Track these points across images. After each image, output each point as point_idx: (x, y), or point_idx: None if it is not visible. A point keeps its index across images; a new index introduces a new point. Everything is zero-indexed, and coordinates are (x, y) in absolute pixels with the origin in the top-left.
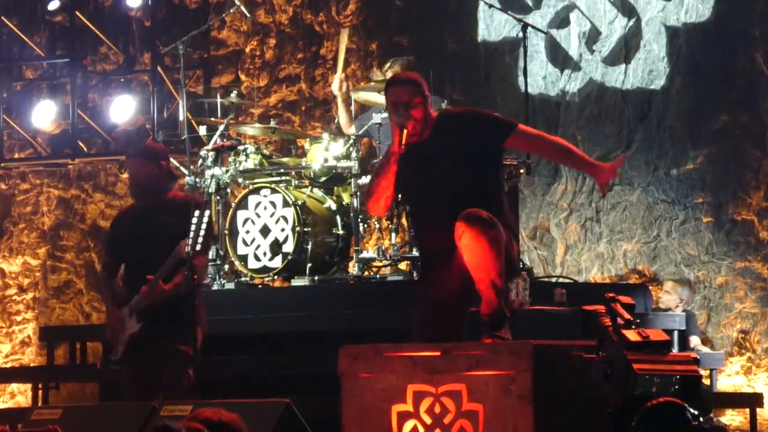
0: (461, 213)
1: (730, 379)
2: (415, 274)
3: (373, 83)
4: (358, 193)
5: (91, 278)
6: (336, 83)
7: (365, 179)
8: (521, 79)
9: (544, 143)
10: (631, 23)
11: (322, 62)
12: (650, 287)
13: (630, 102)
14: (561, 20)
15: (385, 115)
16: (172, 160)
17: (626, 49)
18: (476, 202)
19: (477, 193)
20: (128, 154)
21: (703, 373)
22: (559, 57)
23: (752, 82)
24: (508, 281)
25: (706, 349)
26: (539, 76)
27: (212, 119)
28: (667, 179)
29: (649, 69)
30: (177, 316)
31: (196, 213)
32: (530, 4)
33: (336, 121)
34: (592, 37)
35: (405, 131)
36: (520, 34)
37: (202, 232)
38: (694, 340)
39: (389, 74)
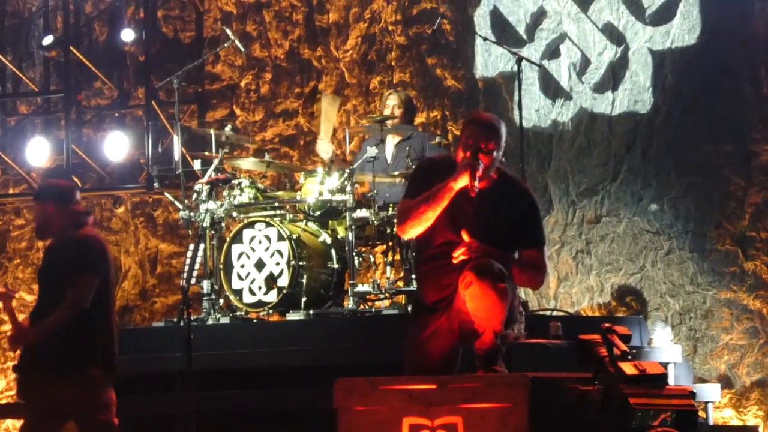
0: (471, 262)
1: (719, 412)
2: (410, 308)
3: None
4: (353, 227)
5: None
6: (323, 146)
7: (360, 213)
8: (516, 112)
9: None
10: (618, 52)
11: (321, 97)
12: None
13: (616, 132)
14: (552, 52)
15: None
16: (166, 194)
17: (614, 79)
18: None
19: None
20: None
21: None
22: (551, 88)
23: (736, 111)
24: (507, 328)
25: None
26: (533, 109)
27: (207, 153)
28: (651, 210)
29: (635, 99)
30: None
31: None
32: (524, 37)
33: (331, 154)
34: (582, 67)
35: (473, 174)
36: (515, 68)
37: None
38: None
39: (388, 103)
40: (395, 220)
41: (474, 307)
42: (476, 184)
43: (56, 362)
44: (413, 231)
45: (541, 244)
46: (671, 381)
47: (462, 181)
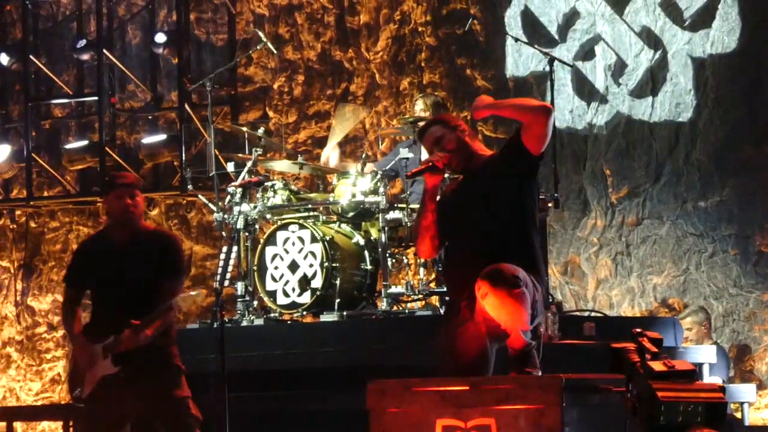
0: (483, 269)
1: (759, 413)
2: (443, 310)
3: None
4: (386, 228)
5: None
6: (333, 158)
7: (393, 214)
8: None
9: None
10: (657, 55)
11: (353, 98)
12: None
13: (658, 135)
14: (586, 53)
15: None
16: (200, 196)
17: (653, 82)
18: (503, 244)
19: (505, 232)
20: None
21: (733, 406)
22: (585, 90)
23: None
24: (535, 321)
25: None
26: (566, 110)
27: (240, 155)
28: (695, 212)
29: (676, 102)
30: (160, 359)
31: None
32: (556, 37)
33: (364, 155)
34: (617, 70)
35: (428, 165)
36: (547, 68)
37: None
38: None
39: (417, 107)
40: None
41: (495, 315)
42: (412, 170)
43: (158, 362)
44: (422, 247)
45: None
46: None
47: (428, 179)
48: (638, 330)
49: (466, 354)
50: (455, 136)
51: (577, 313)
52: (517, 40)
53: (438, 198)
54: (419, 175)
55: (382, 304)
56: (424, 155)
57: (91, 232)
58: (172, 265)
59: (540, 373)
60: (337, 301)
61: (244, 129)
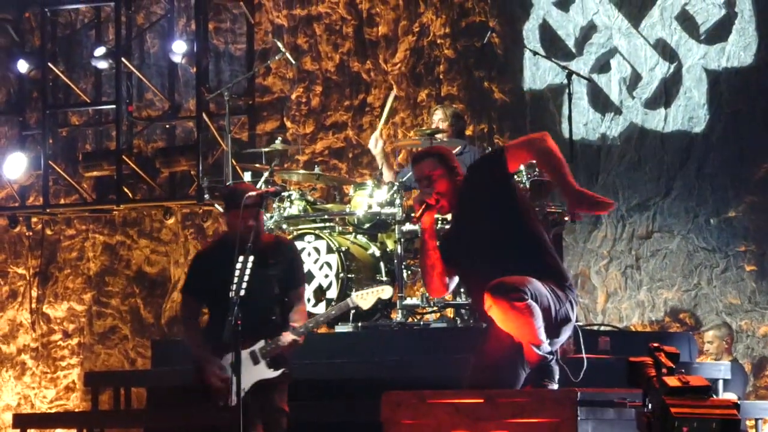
0: (489, 283)
1: None
2: (458, 321)
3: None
4: (402, 240)
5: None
6: (372, 141)
7: (409, 226)
8: (564, 125)
9: (535, 153)
10: (671, 69)
11: (370, 110)
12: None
13: (669, 149)
14: (601, 66)
15: None
16: (216, 206)
17: (666, 95)
18: (511, 252)
19: (510, 240)
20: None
21: (749, 423)
22: (600, 102)
23: None
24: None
25: None
26: (581, 123)
27: (257, 165)
28: (707, 227)
29: (689, 116)
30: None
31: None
32: (573, 50)
33: (381, 167)
34: (632, 83)
35: (423, 206)
36: (564, 81)
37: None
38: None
39: (434, 118)
40: None
41: (504, 328)
42: (417, 214)
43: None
44: (431, 286)
45: (504, 147)
46: (720, 396)
47: (423, 218)
48: (655, 344)
49: (488, 365)
50: (449, 179)
51: (589, 328)
52: (535, 53)
53: (441, 240)
54: (421, 217)
55: (398, 316)
56: None
57: (107, 241)
58: (300, 271)
59: (557, 387)
60: (352, 312)
61: (262, 150)
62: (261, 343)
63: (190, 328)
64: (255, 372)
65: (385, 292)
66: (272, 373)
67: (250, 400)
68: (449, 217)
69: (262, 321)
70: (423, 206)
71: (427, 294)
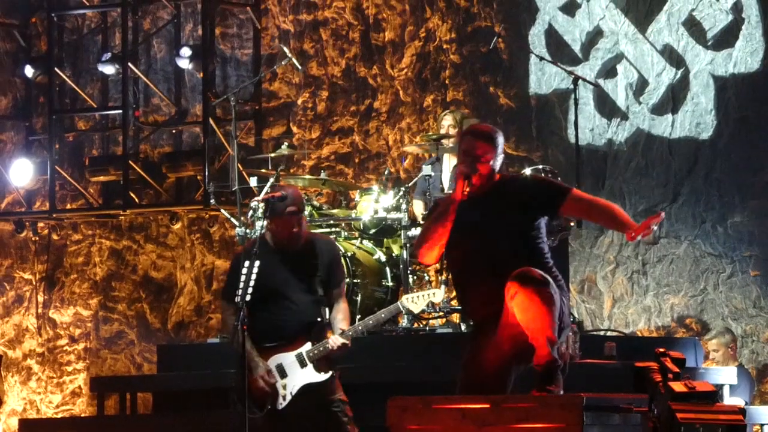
0: (512, 273)
1: None
2: (464, 327)
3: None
4: (408, 245)
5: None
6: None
7: (415, 231)
8: (570, 131)
9: (595, 210)
10: (678, 74)
11: (376, 115)
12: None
13: (677, 154)
14: (608, 71)
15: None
16: (222, 211)
17: (673, 101)
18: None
19: (515, 263)
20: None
21: (755, 428)
22: (606, 107)
23: None
24: (562, 336)
25: None
26: (587, 129)
27: (263, 170)
28: (714, 232)
29: (697, 121)
30: None
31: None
32: (579, 55)
33: (387, 172)
34: (639, 88)
35: (468, 182)
36: (570, 86)
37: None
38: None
39: (443, 123)
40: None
41: (523, 318)
42: (466, 189)
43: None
44: (430, 253)
45: (570, 189)
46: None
47: (460, 189)
48: (662, 350)
49: (482, 373)
50: (493, 166)
51: (595, 333)
52: (541, 58)
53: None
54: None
55: (403, 321)
56: (446, 172)
57: (113, 246)
58: (341, 268)
59: (562, 392)
60: (358, 317)
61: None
62: (308, 346)
63: (235, 333)
64: (302, 375)
65: (437, 295)
66: (321, 377)
67: (300, 402)
68: None
69: (307, 323)
70: (468, 182)
71: (417, 257)
